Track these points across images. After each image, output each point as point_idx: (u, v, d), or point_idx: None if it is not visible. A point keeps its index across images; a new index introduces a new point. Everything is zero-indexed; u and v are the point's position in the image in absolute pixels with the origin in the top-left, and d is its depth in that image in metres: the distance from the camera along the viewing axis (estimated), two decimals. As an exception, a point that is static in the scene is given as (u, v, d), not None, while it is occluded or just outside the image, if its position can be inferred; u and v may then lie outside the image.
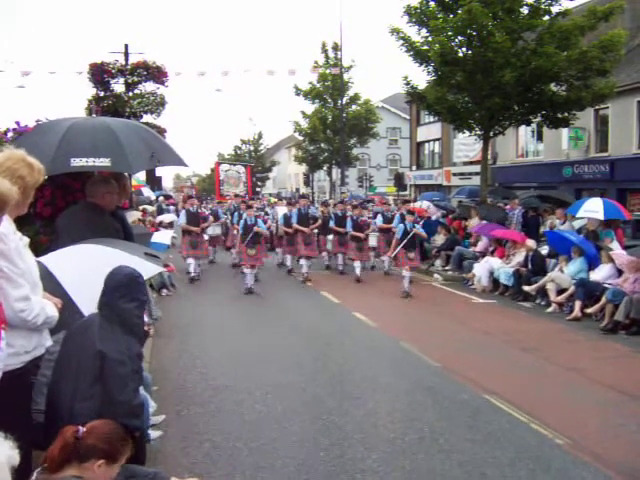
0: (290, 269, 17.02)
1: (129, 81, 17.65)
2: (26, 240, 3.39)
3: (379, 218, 17.21)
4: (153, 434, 5.19)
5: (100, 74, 17.19)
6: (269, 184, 71.93)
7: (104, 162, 4.77)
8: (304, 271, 15.47)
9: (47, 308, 3.30)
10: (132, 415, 3.52)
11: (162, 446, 5.21)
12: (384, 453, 5.18)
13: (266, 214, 20.02)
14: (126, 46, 20.70)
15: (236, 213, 16.75)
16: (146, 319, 4.36)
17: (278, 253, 18.37)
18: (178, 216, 18.10)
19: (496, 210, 16.99)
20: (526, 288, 12.52)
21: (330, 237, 17.05)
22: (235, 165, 24.91)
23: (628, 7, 20.43)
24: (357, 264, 15.52)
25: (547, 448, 5.32)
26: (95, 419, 3.10)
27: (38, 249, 4.58)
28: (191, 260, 15.13)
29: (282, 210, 18.26)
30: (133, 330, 3.69)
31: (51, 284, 3.66)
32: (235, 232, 16.19)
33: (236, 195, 19.72)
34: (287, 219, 16.73)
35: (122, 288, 3.64)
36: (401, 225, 13.81)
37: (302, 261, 15.79)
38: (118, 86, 17.87)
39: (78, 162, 4.72)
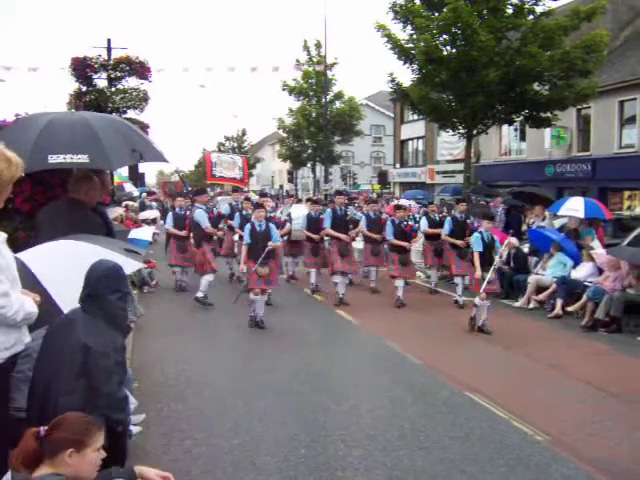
0: (315, 287, 13.07)
1: (112, 76, 17.45)
2: (4, 236, 3.35)
3: (424, 221, 13.68)
4: (133, 430, 5.17)
5: (82, 69, 16.99)
6: (253, 181, 71.73)
7: (82, 158, 4.67)
8: (341, 292, 11.87)
9: (26, 304, 3.27)
10: (115, 408, 3.51)
11: (143, 443, 5.19)
12: (365, 450, 5.19)
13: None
14: (109, 41, 20.43)
15: (237, 214, 12.65)
16: (130, 315, 4.33)
17: (288, 263, 14.50)
18: (163, 213, 16.88)
19: (479, 206, 17.05)
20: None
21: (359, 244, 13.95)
22: (228, 154, 22.62)
23: (610, 8, 20.68)
24: (399, 283, 11.83)
25: (527, 444, 5.36)
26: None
27: (16, 245, 4.53)
28: (178, 269, 13.17)
29: (299, 209, 14.57)
30: (116, 322, 3.68)
31: (28, 280, 3.62)
32: (236, 238, 12.91)
33: (234, 191, 16.32)
34: (312, 221, 12.98)
35: (104, 280, 3.62)
36: (477, 234, 10.13)
37: (336, 278, 11.99)
38: (101, 81, 17.68)
39: (56, 159, 4.62)
